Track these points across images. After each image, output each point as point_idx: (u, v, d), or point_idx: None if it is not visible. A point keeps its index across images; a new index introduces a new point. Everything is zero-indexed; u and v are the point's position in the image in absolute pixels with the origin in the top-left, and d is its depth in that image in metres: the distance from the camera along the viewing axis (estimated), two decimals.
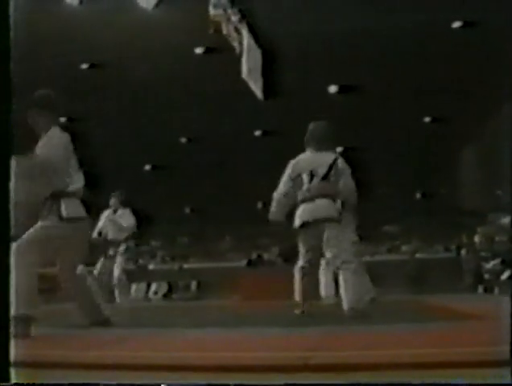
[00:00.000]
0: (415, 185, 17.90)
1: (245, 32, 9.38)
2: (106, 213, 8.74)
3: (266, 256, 15.88)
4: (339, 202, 5.18)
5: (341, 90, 14.17)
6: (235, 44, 9.30)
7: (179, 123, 15.04)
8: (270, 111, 13.28)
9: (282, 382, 2.10)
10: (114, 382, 2.23)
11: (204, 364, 2.37)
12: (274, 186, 5.25)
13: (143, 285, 14.66)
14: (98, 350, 2.90)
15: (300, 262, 5.12)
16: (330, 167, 5.14)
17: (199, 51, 12.62)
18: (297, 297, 5.10)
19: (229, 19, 9.06)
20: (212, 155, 15.83)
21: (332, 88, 14.14)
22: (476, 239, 14.28)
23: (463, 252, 14.18)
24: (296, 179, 5.15)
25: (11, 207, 2.40)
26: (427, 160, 16.22)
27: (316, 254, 5.16)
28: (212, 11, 8.83)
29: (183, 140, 16.64)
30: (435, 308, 6.41)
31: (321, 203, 5.04)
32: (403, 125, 15.06)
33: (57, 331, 4.17)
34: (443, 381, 2.11)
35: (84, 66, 13.05)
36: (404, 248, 16.78)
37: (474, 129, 15.10)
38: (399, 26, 11.84)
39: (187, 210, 18.99)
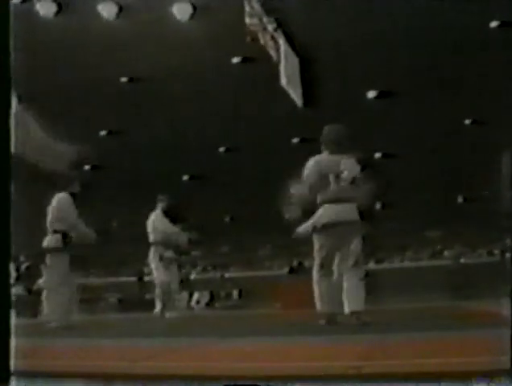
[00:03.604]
0: (457, 189, 17.66)
1: (281, 40, 9.41)
2: (156, 215, 8.77)
3: (307, 263, 15.85)
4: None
5: (380, 95, 14.08)
6: (272, 53, 9.33)
7: (218, 133, 15.12)
8: (307, 118, 13.26)
9: None
10: None
11: (252, 375, 2.37)
12: None
13: (185, 295, 14.76)
14: (145, 360, 2.92)
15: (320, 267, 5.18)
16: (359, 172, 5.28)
17: (236, 60, 12.69)
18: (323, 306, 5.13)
19: (265, 28, 9.10)
20: (251, 164, 15.87)
21: (371, 94, 14.06)
22: None
23: (507, 255, 13.95)
24: (321, 179, 5.24)
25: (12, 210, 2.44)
26: (469, 163, 16.00)
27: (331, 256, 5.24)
28: (247, 21, 8.88)
29: (222, 149, 16.72)
30: (481, 314, 6.31)
31: (346, 206, 5.18)
32: (443, 128, 14.89)
33: (95, 342, 4.21)
34: None
35: (124, 79, 13.22)
36: (446, 253, 16.56)
37: None
38: (436, 27, 11.73)
39: (227, 219, 19.05)
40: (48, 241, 6.84)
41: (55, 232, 6.81)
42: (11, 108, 2.58)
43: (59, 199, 6.93)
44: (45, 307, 6.82)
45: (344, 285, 5.00)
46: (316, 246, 5.23)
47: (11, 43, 2.55)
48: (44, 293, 6.86)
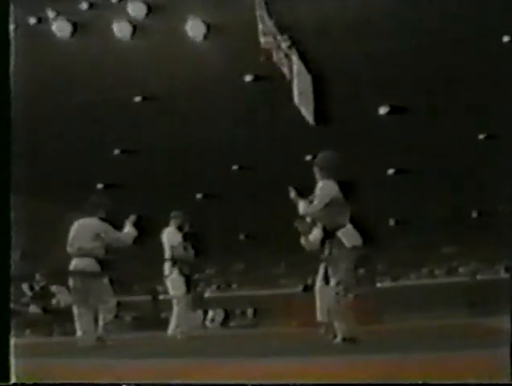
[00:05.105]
0: (471, 204, 17.53)
1: (295, 58, 9.45)
2: (175, 231, 8.79)
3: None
4: None
5: (392, 111, 14.05)
6: (285, 70, 9.38)
7: (231, 150, 15.14)
8: (320, 135, 13.26)
9: None
10: None
11: None
12: None
13: (200, 313, 14.69)
14: (160, 380, 2.90)
15: None
16: None
17: (249, 78, 12.74)
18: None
19: (279, 46, 9.16)
20: (264, 181, 15.86)
21: (383, 110, 14.04)
22: None
23: None
24: None
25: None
26: (483, 178, 15.90)
27: None
28: (262, 39, 8.93)
29: (235, 167, 16.73)
30: (498, 331, 6.25)
31: None
32: (457, 143, 14.82)
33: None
34: None
35: (137, 99, 13.30)
36: (462, 269, 16.40)
37: None
38: (448, 42, 11.74)
39: (242, 237, 18.99)
40: (80, 264, 6.90)
41: (89, 255, 6.89)
42: (11, 129, 2.60)
43: (93, 226, 7.04)
44: (78, 327, 6.86)
45: None
46: None
47: (19, 62, 2.57)
48: (76, 313, 6.90)
